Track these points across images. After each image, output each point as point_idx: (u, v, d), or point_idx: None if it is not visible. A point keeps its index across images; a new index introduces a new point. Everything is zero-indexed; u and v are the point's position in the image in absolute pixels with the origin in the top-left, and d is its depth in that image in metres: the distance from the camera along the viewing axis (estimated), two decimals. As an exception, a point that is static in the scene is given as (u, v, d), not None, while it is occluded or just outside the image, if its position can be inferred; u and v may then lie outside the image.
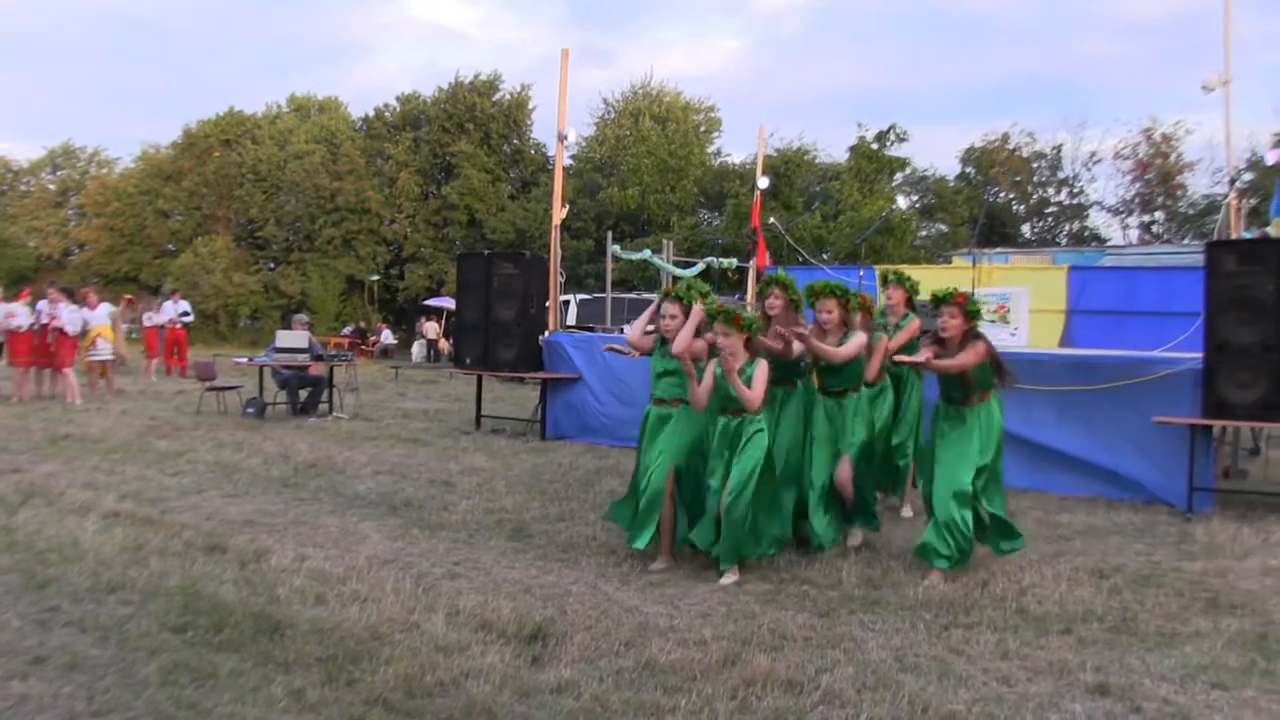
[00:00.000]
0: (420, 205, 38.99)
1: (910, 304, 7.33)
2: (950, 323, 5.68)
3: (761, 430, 5.67)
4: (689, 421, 5.88)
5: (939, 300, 5.77)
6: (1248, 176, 27.98)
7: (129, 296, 17.60)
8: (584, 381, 11.26)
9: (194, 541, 6.04)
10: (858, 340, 6.31)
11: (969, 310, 5.68)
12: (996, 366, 5.72)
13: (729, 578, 5.56)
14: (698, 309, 5.87)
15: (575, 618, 4.72)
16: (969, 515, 5.63)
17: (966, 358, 5.59)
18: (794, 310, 6.49)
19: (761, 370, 5.65)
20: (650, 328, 6.21)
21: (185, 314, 19.72)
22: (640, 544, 5.79)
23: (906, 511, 7.30)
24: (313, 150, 39.13)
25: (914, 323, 7.28)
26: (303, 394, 13.24)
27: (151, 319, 20.03)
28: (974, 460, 5.65)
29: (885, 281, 7.44)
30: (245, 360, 14.10)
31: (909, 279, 7.46)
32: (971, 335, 5.69)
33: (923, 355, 5.79)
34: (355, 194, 37.89)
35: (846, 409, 6.31)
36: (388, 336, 33.47)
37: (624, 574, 5.64)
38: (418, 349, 30.43)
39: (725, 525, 5.57)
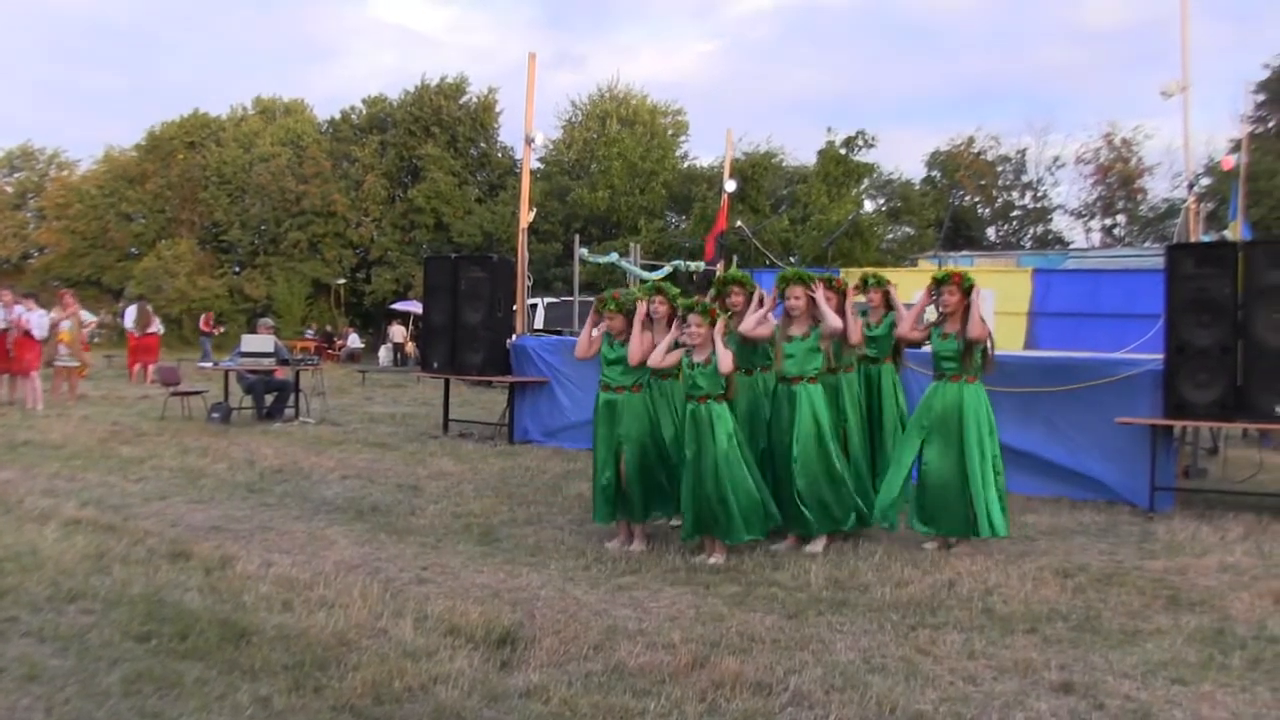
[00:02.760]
0: (387, 208, 38.82)
1: (888, 303, 7.41)
2: (950, 299, 6.27)
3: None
4: (640, 406, 6.37)
5: (939, 281, 6.37)
6: (1206, 181, 28.50)
7: (65, 292, 17.21)
8: (551, 385, 11.27)
9: (157, 549, 5.96)
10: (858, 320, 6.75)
11: (965, 287, 6.27)
12: (986, 353, 6.31)
13: (817, 545, 6.26)
14: (721, 325, 6.13)
15: (544, 621, 4.71)
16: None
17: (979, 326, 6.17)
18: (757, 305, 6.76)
19: (726, 356, 6.03)
20: (595, 332, 6.60)
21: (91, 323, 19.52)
22: (601, 520, 6.47)
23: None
24: (278, 153, 38.87)
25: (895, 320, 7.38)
26: (268, 399, 13.14)
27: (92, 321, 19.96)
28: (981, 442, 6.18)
29: (865, 285, 7.50)
30: (210, 365, 13.93)
31: (886, 280, 7.56)
32: (967, 313, 6.26)
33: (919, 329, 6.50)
34: (321, 197, 37.69)
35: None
36: (354, 340, 33.29)
37: (592, 577, 5.64)
38: (384, 353, 30.29)
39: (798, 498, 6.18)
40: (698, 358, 6.14)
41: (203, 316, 29.23)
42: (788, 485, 6.31)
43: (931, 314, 6.59)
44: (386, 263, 38.42)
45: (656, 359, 6.27)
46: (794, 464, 6.27)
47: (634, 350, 6.30)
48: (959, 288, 6.29)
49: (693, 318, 6.14)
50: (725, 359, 6.04)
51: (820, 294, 6.35)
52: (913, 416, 6.56)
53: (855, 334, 6.67)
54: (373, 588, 5.20)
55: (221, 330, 30.08)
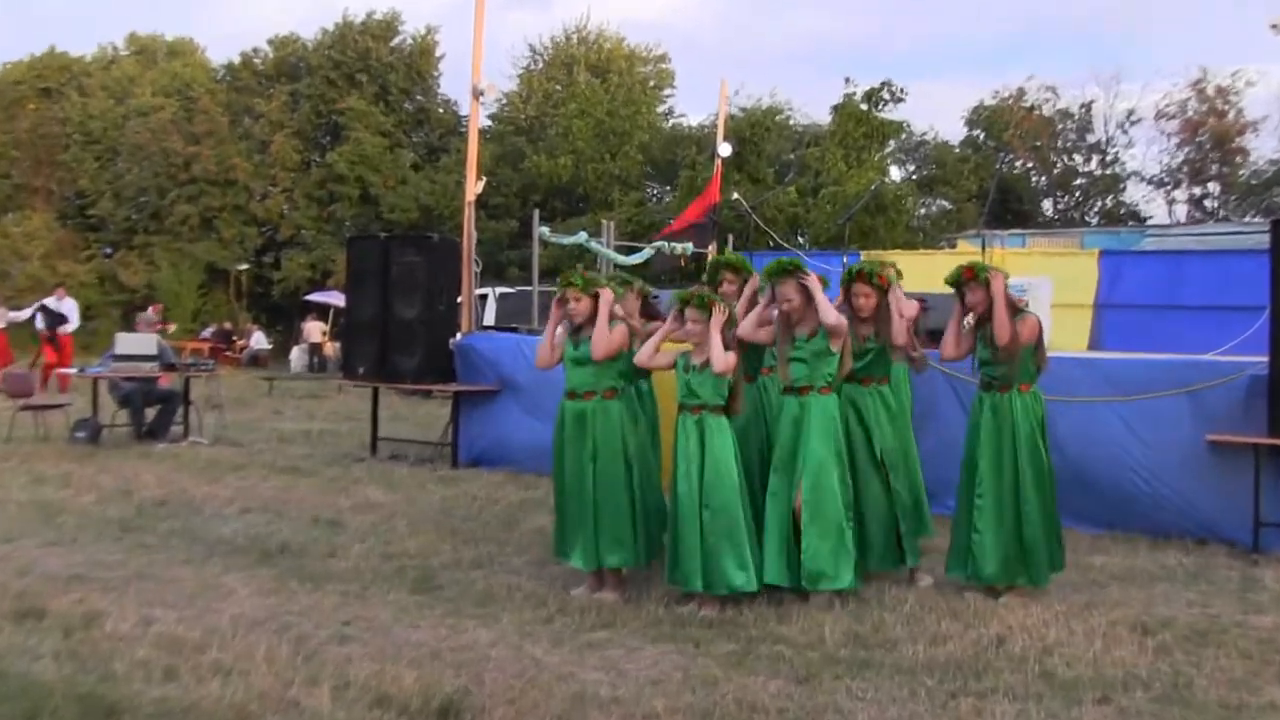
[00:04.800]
0: (300, 176, 38.66)
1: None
2: (974, 298, 6.44)
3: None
4: (617, 417, 6.41)
5: (958, 283, 6.51)
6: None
7: None
8: (506, 395, 11.27)
9: (0, 605, 5.93)
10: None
11: (981, 279, 6.40)
12: (1039, 353, 6.46)
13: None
14: (719, 315, 6.17)
15: (495, 688, 4.72)
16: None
17: (1020, 330, 6.31)
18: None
19: (723, 350, 6.07)
20: (560, 331, 6.68)
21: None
22: (577, 561, 6.39)
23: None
24: (161, 105, 38.63)
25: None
26: (150, 413, 13.08)
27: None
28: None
29: (851, 277, 7.54)
30: (74, 371, 13.84)
31: (879, 268, 7.55)
32: (1012, 310, 6.42)
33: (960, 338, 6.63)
34: (217, 161, 37.47)
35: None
36: (260, 340, 33.10)
37: (555, 633, 5.64)
38: (297, 355, 30.13)
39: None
40: (695, 359, 6.20)
41: (150, 309, 29.10)
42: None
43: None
44: (300, 244, 38.26)
45: (645, 356, 6.36)
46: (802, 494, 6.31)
47: (598, 341, 6.34)
48: (978, 282, 6.41)
49: (690, 312, 6.21)
50: (721, 353, 6.06)
51: (814, 283, 6.38)
52: (967, 436, 6.65)
53: (900, 332, 6.71)
54: (281, 648, 5.19)
55: (172, 328, 29.94)
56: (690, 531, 6.08)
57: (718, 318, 6.14)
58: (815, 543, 6.17)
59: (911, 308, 7.04)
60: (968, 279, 6.45)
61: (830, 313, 6.28)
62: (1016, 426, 6.36)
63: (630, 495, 6.42)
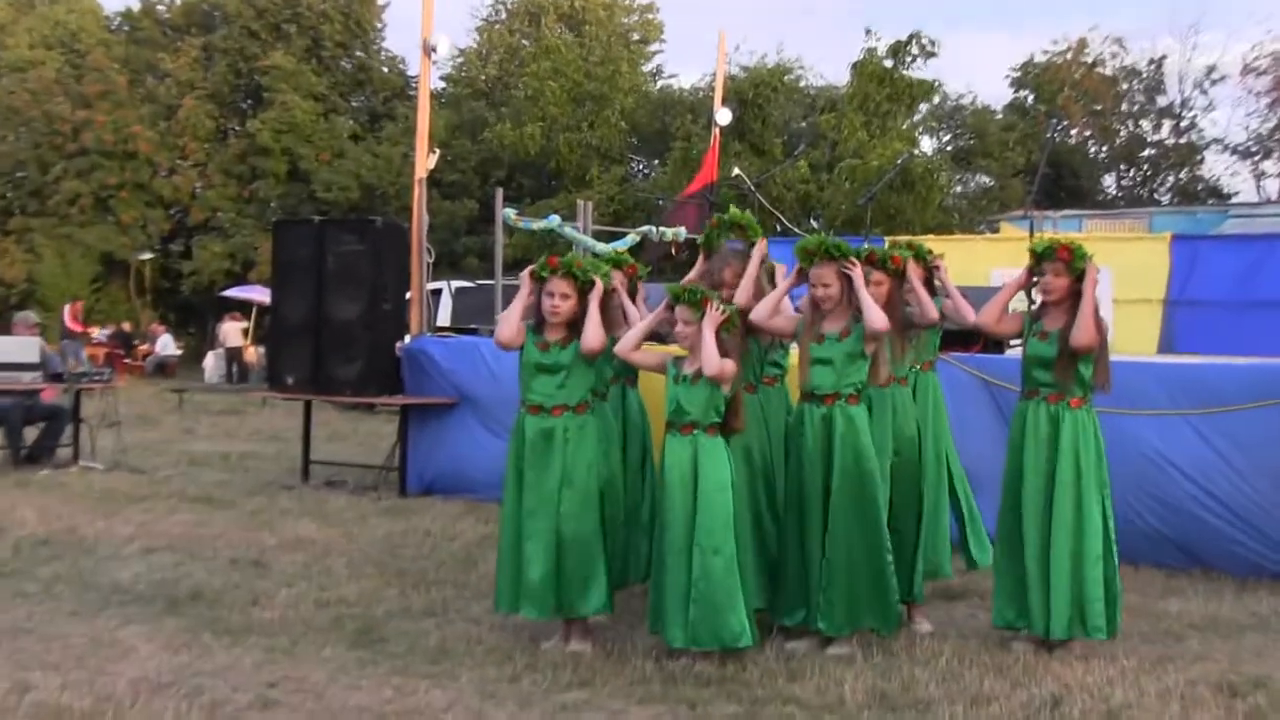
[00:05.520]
0: (215, 148, 38.62)
1: (930, 285, 7.44)
2: (1056, 281, 6.42)
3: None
4: (593, 435, 6.40)
5: (1043, 256, 6.48)
6: None
7: None
8: (463, 409, 11.28)
9: None
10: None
11: (1078, 266, 6.38)
12: (1101, 363, 6.45)
13: (845, 645, 6.27)
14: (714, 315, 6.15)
15: (451, 762, 4.71)
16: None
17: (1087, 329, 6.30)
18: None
19: (716, 351, 6.04)
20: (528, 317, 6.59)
21: None
22: (530, 611, 6.33)
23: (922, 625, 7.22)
24: (41, 60, 38.48)
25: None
26: (30, 433, 13.05)
27: None
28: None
29: (883, 262, 7.54)
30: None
31: (928, 251, 7.56)
32: (1076, 304, 6.40)
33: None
34: (113, 129, 37.34)
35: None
36: (167, 345, 33.03)
37: (523, 693, 5.62)
38: (213, 363, 30.12)
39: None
40: (687, 368, 6.20)
41: (68, 308, 29.05)
42: (812, 558, 6.35)
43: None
44: (215, 229, 38.14)
45: (629, 343, 6.35)
46: (827, 526, 6.29)
47: (590, 334, 6.29)
48: (1067, 266, 6.39)
49: (680, 311, 6.20)
50: (715, 355, 5.99)
51: (858, 274, 6.33)
52: (1009, 456, 6.63)
53: (929, 309, 6.83)
54: (191, 717, 5.15)
55: (95, 333, 29.84)
56: (677, 576, 6.06)
57: (713, 316, 6.11)
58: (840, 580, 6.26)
59: (930, 310, 7.05)
60: (1061, 258, 6.40)
61: (877, 315, 6.22)
62: (1081, 444, 6.34)
63: (603, 531, 6.41)
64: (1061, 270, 6.40)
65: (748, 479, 6.55)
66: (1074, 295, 6.38)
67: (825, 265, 6.36)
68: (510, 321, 6.53)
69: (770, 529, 6.68)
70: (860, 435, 6.32)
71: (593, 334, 6.29)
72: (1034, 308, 6.70)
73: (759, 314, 6.45)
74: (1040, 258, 6.50)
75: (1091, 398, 6.45)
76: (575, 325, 6.38)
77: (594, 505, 6.39)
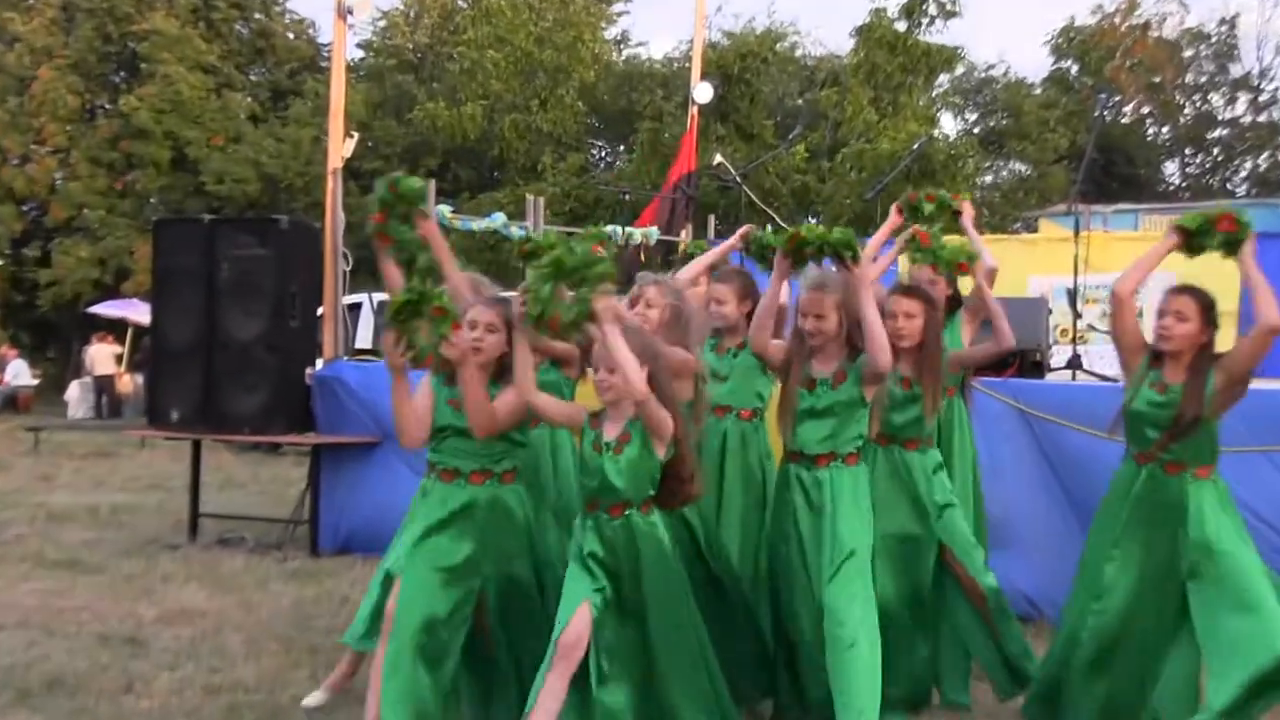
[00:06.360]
0: (81, 130, 38.60)
1: (954, 294, 7.46)
2: (1179, 328, 5.87)
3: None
4: (519, 508, 5.98)
5: (1195, 233, 6.09)
6: None
7: None
8: (387, 449, 11.12)
9: None
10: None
11: (1208, 306, 5.88)
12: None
13: None
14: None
15: None
16: None
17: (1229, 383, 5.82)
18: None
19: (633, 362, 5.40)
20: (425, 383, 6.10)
21: None
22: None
23: None
24: None
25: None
26: None
27: None
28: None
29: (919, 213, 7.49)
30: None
31: (949, 199, 7.64)
32: (1209, 357, 5.89)
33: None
34: (-48, 108, 37.32)
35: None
36: (19, 372, 33.03)
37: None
38: (78, 394, 30.14)
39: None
40: (608, 431, 5.51)
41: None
42: (797, 647, 6.20)
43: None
44: (81, 230, 38.21)
45: (559, 411, 5.83)
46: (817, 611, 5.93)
47: (474, 405, 5.66)
48: (1200, 306, 5.92)
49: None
50: (635, 370, 5.30)
51: (869, 298, 5.94)
52: (1093, 529, 6.29)
53: (1005, 336, 6.83)
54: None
55: (13, 358, 29.84)
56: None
57: (607, 313, 5.40)
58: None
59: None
60: (1193, 293, 5.98)
61: (883, 350, 5.78)
62: (1190, 524, 5.95)
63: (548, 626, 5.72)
64: (1191, 307, 5.91)
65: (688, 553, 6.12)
66: (1203, 356, 5.91)
67: (821, 292, 5.96)
68: (405, 414, 5.91)
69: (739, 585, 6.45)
70: (860, 504, 6.09)
71: (473, 406, 5.76)
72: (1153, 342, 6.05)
73: (757, 333, 6.19)
74: (1195, 235, 6.08)
75: (1217, 462, 5.99)
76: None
77: (533, 596, 6.18)
